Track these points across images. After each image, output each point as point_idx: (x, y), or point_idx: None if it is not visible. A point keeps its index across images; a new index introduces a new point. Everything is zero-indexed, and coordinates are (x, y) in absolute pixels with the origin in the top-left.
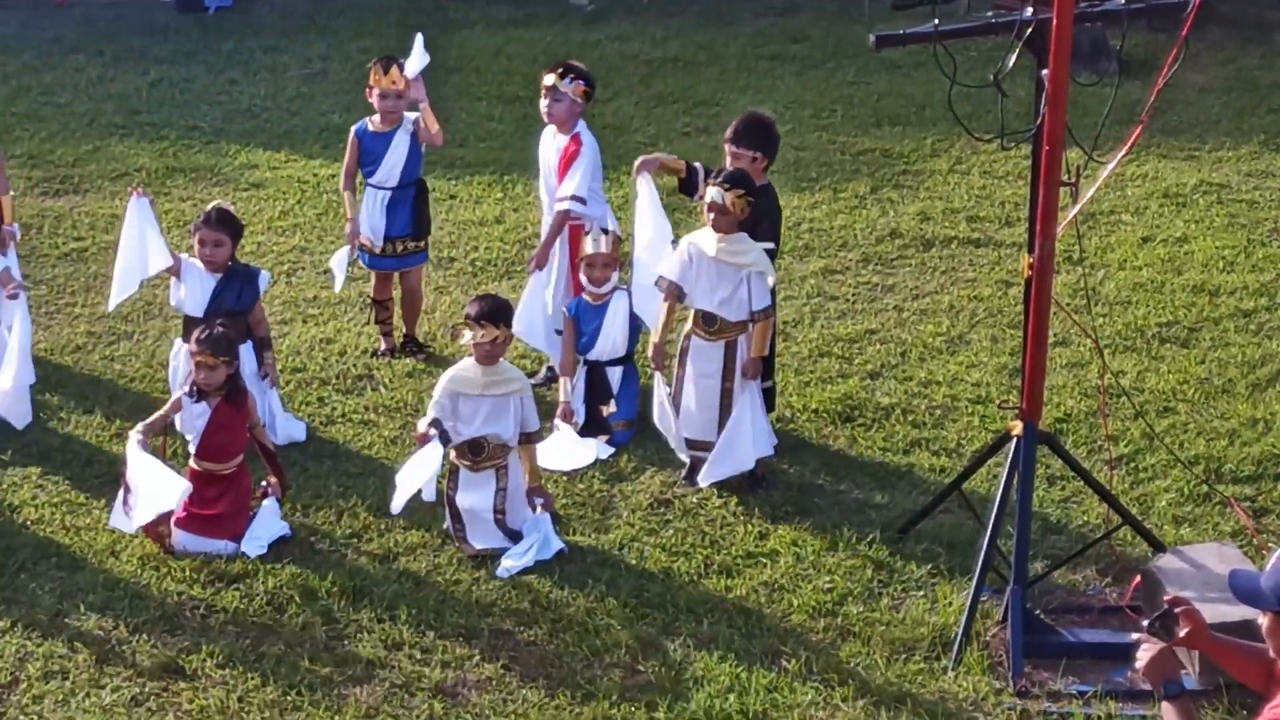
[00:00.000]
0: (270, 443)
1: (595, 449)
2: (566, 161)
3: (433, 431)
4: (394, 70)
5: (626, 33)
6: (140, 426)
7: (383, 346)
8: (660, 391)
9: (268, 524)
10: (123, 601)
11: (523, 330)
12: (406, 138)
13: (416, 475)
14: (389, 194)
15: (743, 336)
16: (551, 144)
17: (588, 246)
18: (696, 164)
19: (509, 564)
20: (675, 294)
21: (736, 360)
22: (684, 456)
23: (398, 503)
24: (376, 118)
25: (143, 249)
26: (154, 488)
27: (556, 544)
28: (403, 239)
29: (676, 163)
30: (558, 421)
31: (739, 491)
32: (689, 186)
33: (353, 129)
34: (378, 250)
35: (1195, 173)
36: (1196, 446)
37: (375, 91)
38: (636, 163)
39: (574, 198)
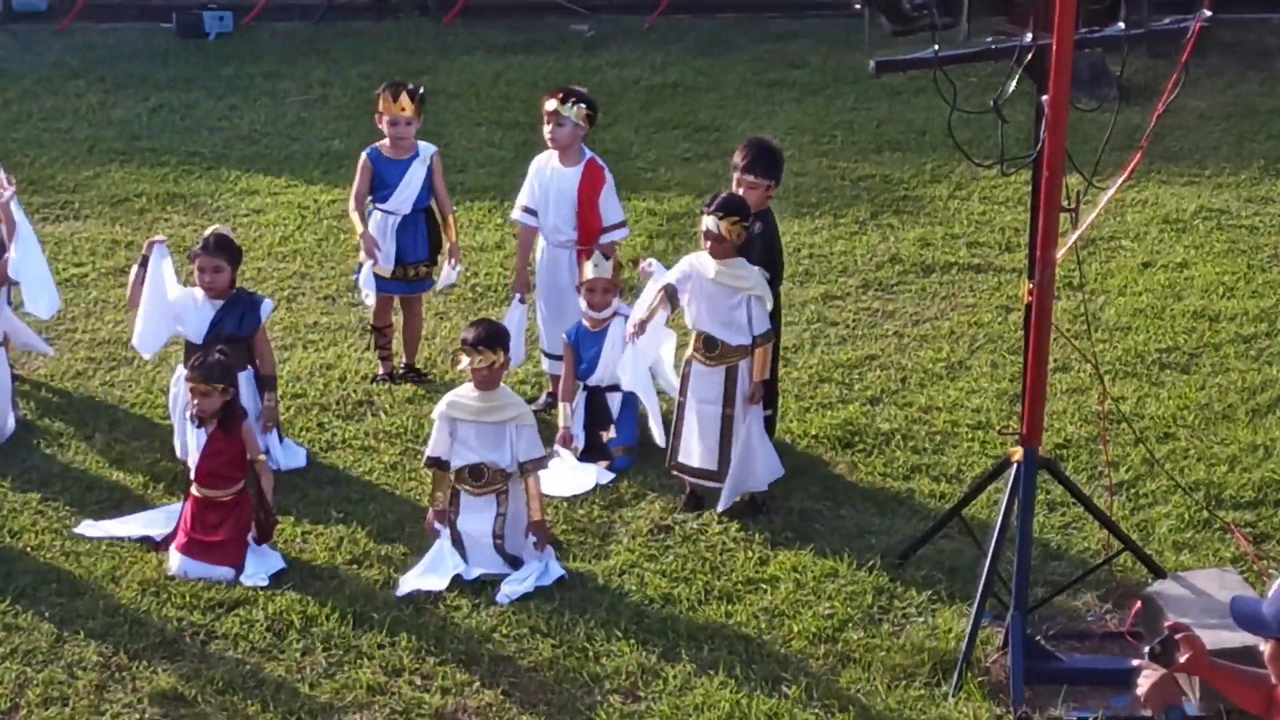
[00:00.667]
0: (269, 482)
1: (595, 474)
2: (593, 192)
3: (438, 525)
4: (403, 97)
5: (626, 58)
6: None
7: (381, 371)
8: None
9: (264, 558)
10: (123, 628)
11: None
12: (424, 169)
13: (427, 577)
14: (399, 219)
15: (744, 363)
16: (551, 168)
17: (588, 271)
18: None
19: (509, 589)
20: (670, 297)
21: (737, 387)
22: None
23: (404, 588)
24: (387, 143)
25: (165, 298)
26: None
27: (557, 571)
28: (416, 265)
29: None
30: (557, 447)
31: (739, 517)
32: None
33: (364, 153)
34: (387, 274)
35: (1195, 198)
36: (1197, 472)
37: (385, 118)
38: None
39: (622, 224)
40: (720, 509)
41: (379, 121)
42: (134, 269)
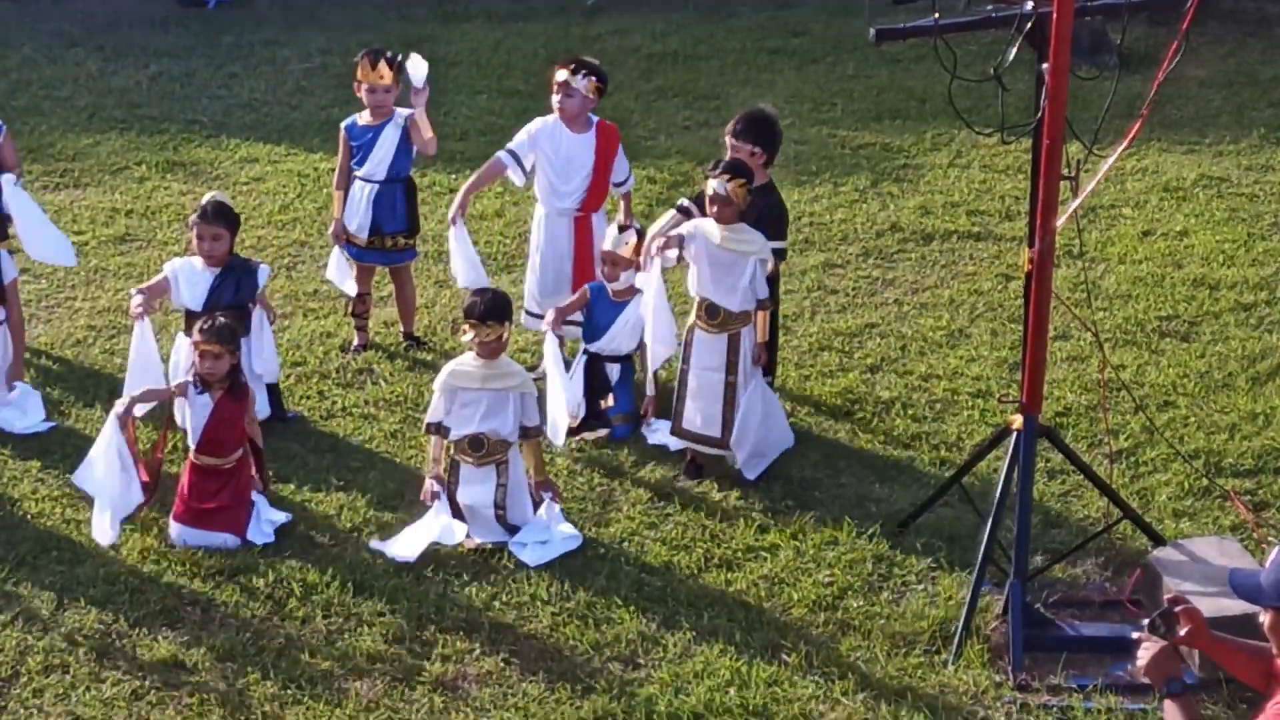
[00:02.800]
0: (260, 439)
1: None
2: (610, 152)
3: (437, 488)
4: (381, 65)
5: (627, 26)
6: (128, 396)
7: (355, 341)
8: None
9: (268, 515)
10: (123, 595)
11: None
12: (396, 132)
13: (419, 537)
14: (376, 187)
15: (746, 329)
16: (564, 137)
17: (608, 242)
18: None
19: (535, 554)
20: (676, 243)
21: (740, 353)
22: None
23: (392, 550)
24: (366, 113)
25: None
26: (113, 489)
27: (576, 537)
28: (394, 235)
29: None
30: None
31: (739, 485)
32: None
33: (343, 125)
34: (362, 243)
35: (1195, 167)
36: (1196, 440)
37: (363, 86)
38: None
39: (628, 177)
40: (752, 476)
41: (358, 90)
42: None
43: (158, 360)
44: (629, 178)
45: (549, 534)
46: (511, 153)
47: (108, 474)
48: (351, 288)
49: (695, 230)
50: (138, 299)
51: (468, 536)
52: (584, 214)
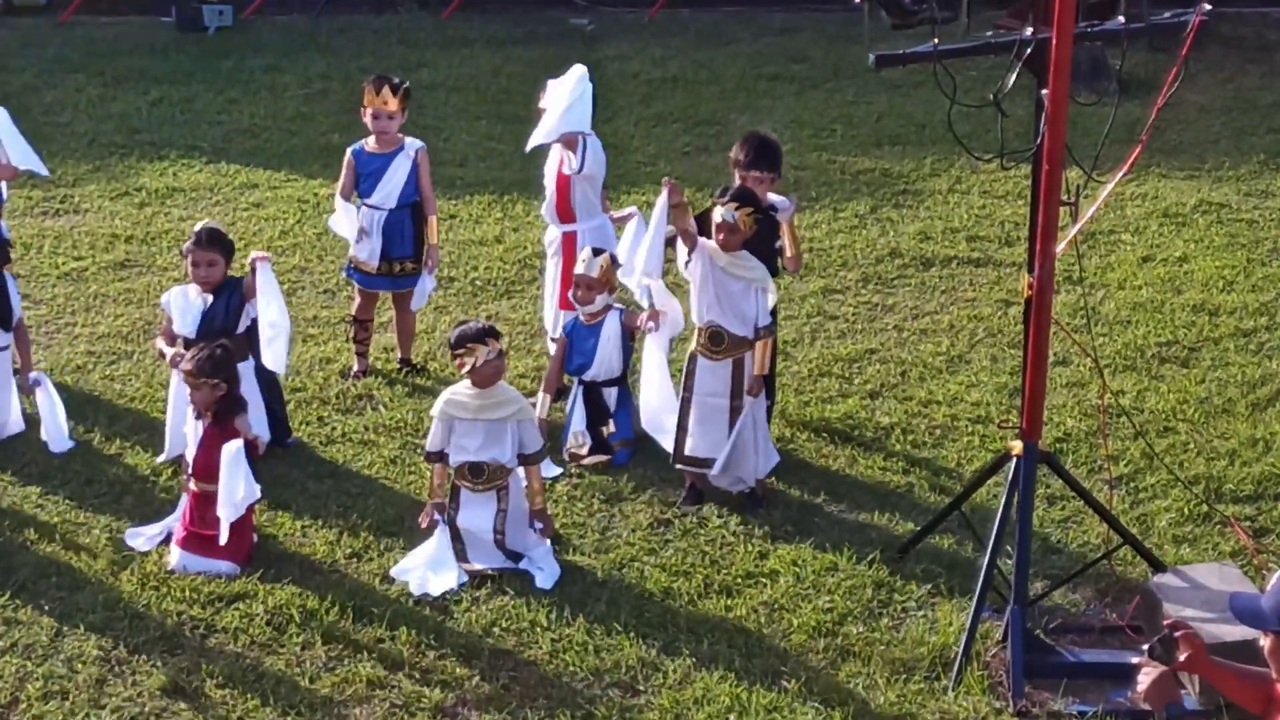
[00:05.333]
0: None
1: (456, 577)
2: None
3: (437, 516)
4: (385, 90)
5: (627, 52)
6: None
7: (355, 367)
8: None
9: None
10: (122, 621)
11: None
12: (408, 162)
13: (437, 575)
14: (385, 215)
15: (748, 354)
16: (551, 153)
17: (579, 266)
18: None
19: (544, 576)
20: (687, 239)
21: (744, 379)
22: (666, 444)
23: (414, 587)
24: (372, 139)
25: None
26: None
27: (556, 571)
28: (402, 260)
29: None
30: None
31: (739, 511)
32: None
33: (348, 150)
34: (372, 270)
35: (1195, 192)
36: (1196, 466)
37: (368, 111)
38: (668, 196)
39: (577, 172)
40: (712, 473)
41: (363, 114)
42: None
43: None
44: (583, 166)
45: (548, 562)
46: None
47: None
48: (351, 234)
49: (703, 248)
50: (169, 353)
51: (465, 561)
52: (567, 233)
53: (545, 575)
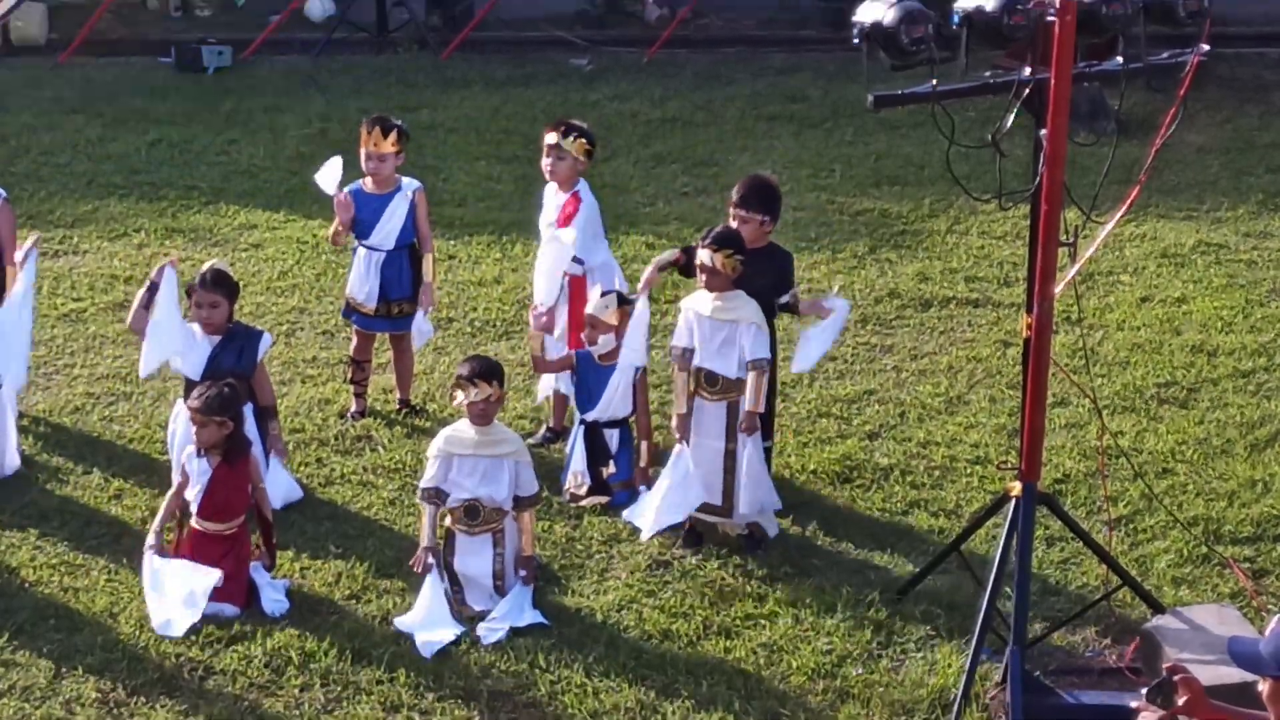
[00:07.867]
0: (269, 512)
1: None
2: (564, 220)
3: (430, 560)
4: (377, 131)
5: (625, 92)
6: (150, 537)
7: (353, 408)
8: (681, 466)
9: (270, 583)
10: (121, 663)
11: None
12: (405, 202)
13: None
14: (383, 256)
15: (744, 396)
16: (553, 202)
17: (590, 306)
18: (693, 245)
19: (488, 627)
20: (687, 360)
21: (739, 420)
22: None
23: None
24: (369, 180)
25: (171, 322)
26: (183, 588)
27: (534, 616)
28: (400, 301)
29: (675, 255)
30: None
31: (738, 552)
32: (689, 269)
33: (347, 190)
34: (370, 311)
35: (1194, 233)
36: (1195, 507)
37: (363, 152)
38: (645, 278)
39: (574, 259)
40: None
41: (360, 153)
42: (140, 293)
43: (179, 319)
44: (578, 263)
45: (521, 615)
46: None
47: (173, 583)
48: (330, 187)
49: (687, 313)
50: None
51: (465, 604)
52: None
53: (519, 614)
